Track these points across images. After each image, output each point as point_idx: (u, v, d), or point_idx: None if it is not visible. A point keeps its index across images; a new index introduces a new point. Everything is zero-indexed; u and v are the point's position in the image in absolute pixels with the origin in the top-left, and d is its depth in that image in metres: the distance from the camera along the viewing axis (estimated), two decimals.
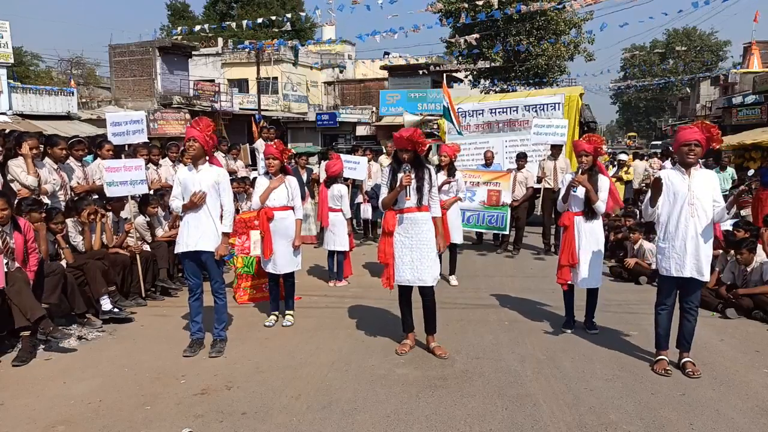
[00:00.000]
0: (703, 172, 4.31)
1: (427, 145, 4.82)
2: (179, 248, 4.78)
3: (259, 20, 18.83)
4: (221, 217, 4.82)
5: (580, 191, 5.16)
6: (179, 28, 25.49)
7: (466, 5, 21.15)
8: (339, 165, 7.39)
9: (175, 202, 4.82)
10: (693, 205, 4.19)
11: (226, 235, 4.84)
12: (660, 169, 16.06)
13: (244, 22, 19.43)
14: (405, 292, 4.83)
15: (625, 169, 13.66)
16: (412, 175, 4.55)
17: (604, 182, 5.18)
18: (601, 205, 5.15)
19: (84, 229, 5.83)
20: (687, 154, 4.19)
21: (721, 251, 6.46)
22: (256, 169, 13.15)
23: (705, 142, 4.17)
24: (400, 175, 4.54)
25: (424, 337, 4.85)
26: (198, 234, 4.70)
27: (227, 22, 20.39)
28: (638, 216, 9.49)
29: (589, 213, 5.18)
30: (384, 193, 4.72)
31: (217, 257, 4.76)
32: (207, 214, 4.73)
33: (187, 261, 4.80)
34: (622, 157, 14.51)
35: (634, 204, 12.14)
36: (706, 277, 4.27)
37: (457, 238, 7.24)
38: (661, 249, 4.37)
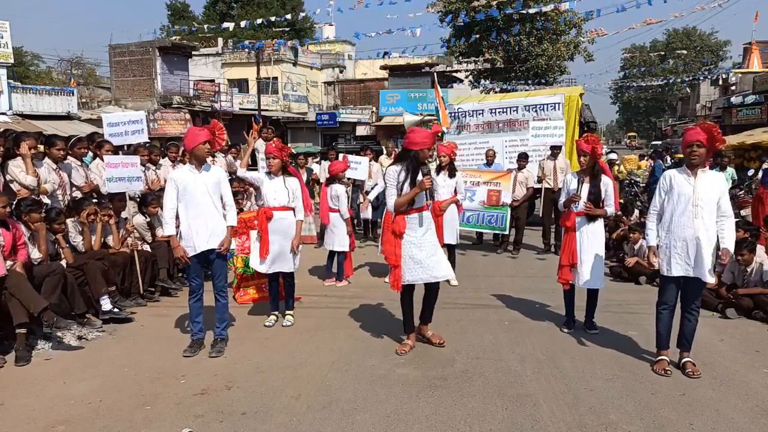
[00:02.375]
0: (710, 174, 4.28)
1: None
2: (190, 251, 4.70)
3: (259, 21, 18.75)
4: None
5: (580, 205, 5.18)
6: (177, 28, 25.48)
7: (466, 4, 21.18)
8: (341, 165, 7.41)
9: (169, 211, 4.67)
10: (697, 206, 4.19)
11: (231, 227, 4.89)
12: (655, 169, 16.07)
13: (243, 23, 19.34)
14: (409, 291, 4.81)
15: (616, 168, 13.77)
16: (432, 176, 4.59)
17: (608, 183, 5.17)
18: (610, 209, 5.19)
19: (84, 229, 5.83)
20: (690, 155, 4.22)
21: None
22: (255, 169, 13.14)
23: (707, 142, 4.16)
24: (420, 177, 4.49)
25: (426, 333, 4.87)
26: (208, 233, 4.71)
27: (226, 24, 20.30)
28: (637, 215, 9.50)
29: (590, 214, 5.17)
30: (392, 194, 4.56)
31: (222, 250, 4.74)
32: (214, 212, 4.75)
33: (194, 262, 4.79)
34: (612, 156, 14.59)
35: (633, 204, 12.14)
36: (709, 278, 4.27)
37: (451, 239, 7.20)
38: (664, 249, 4.37)
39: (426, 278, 4.65)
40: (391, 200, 4.58)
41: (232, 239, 6.47)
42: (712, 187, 4.21)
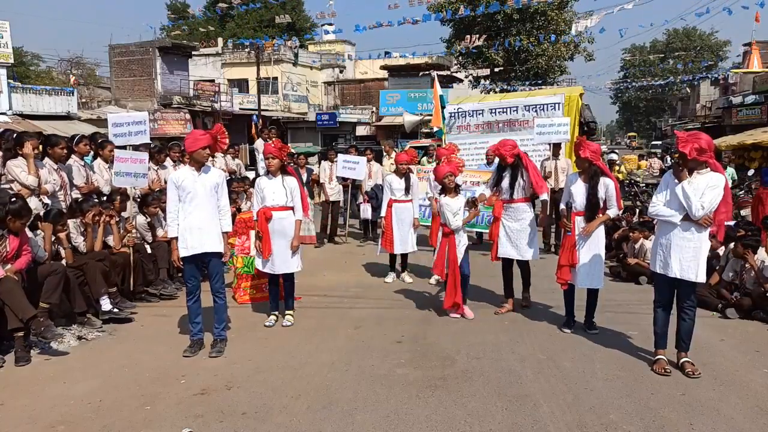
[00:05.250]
0: (708, 176, 4.21)
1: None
2: (183, 252, 4.73)
3: (257, 5, 18.46)
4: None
5: (580, 199, 5.21)
6: (176, 24, 25.33)
7: (466, 3, 21.14)
8: (443, 169, 5.91)
9: (172, 213, 4.71)
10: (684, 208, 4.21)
11: (226, 233, 4.90)
12: (660, 170, 16.12)
13: (240, 7, 18.96)
14: (507, 264, 6.07)
15: (617, 168, 13.80)
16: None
17: (608, 185, 5.14)
18: (613, 210, 5.20)
19: (87, 230, 5.83)
20: (678, 162, 4.30)
21: (721, 250, 6.45)
22: (254, 169, 13.15)
23: (691, 155, 4.11)
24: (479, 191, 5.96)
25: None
26: (203, 236, 4.72)
27: (221, 6, 20.05)
28: (637, 214, 9.50)
29: (590, 215, 5.16)
30: (486, 190, 6.01)
31: (225, 259, 4.81)
32: (211, 215, 4.76)
33: (189, 264, 4.80)
34: (612, 156, 14.61)
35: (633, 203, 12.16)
36: (693, 277, 4.24)
37: None
38: (654, 246, 4.49)
39: (516, 255, 5.91)
40: (487, 192, 6.02)
41: (230, 239, 6.48)
42: (702, 190, 4.16)
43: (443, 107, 11.45)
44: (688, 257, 4.23)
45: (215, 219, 4.79)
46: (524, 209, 5.87)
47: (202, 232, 4.71)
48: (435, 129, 11.19)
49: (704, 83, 40.49)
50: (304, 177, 10.04)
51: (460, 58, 30.94)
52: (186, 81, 27.50)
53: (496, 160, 9.99)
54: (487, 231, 9.69)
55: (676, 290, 4.39)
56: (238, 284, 6.48)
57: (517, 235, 5.86)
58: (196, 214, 4.71)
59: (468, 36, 22.21)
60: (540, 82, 29.13)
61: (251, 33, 37.13)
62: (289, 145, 27.38)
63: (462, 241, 5.84)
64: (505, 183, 5.85)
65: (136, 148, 7.18)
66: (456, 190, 5.86)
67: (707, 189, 4.14)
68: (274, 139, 6.10)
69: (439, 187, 6.97)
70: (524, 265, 6.12)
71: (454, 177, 5.86)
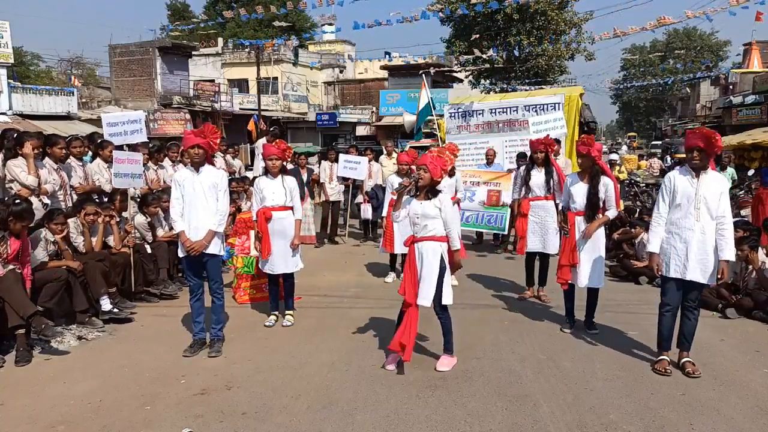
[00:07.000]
0: (713, 175, 4.26)
1: (556, 147, 6.87)
2: (181, 252, 4.76)
3: (258, 8, 18.44)
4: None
5: (580, 200, 5.21)
6: (176, 26, 25.30)
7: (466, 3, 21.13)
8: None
9: (176, 210, 4.73)
10: (699, 209, 4.20)
11: (212, 232, 4.71)
12: (660, 170, 16.11)
13: (241, 13, 18.98)
14: (532, 257, 6.51)
15: (618, 168, 13.80)
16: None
17: (608, 184, 5.15)
18: (611, 211, 5.20)
19: (84, 230, 5.82)
20: (690, 160, 4.25)
21: None
22: (251, 169, 13.15)
23: (706, 147, 4.16)
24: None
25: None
26: (200, 236, 4.69)
27: (225, 14, 20.05)
28: (638, 213, 9.49)
29: (590, 214, 5.17)
30: (515, 190, 6.57)
31: (193, 251, 4.65)
32: (208, 216, 4.72)
33: (188, 263, 4.80)
34: (613, 156, 14.59)
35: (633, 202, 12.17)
36: (711, 279, 4.27)
37: None
38: (664, 250, 4.38)
39: (541, 249, 6.31)
40: (513, 194, 6.73)
41: (230, 239, 6.47)
42: (713, 188, 4.20)
43: (434, 106, 11.47)
44: (709, 260, 4.22)
45: (212, 219, 4.73)
46: (552, 206, 6.20)
47: (198, 233, 4.69)
48: (413, 129, 11.26)
49: (704, 83, 40.50)
50: (305, 177, 10.03)
51: (460, 57, 30.93)
52: (186, 81, 27.49)
53: (496, 160, 10.19)
54: (485, 230, 9.76)
55: (683, 291, 4.37)
56: (238, 284, 6.48)
57: (544, 230, 6.26)
58: (194, 213, 4.70)
59: (473, 48, 22.29)
60: (540, 81, 29.13)
61: (251, 33, 37.08)
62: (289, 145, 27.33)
63: (429, 271, 4.24)
64: (539, 181, 6.26)
65: (134, 147, 7.18)
66: (428, 194, 4.26)
67: (722, 197, 4.22)
68: (278, 140, 6.07)
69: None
70: (546, 261, 6.43)
71: (425, 171, 4.23)
